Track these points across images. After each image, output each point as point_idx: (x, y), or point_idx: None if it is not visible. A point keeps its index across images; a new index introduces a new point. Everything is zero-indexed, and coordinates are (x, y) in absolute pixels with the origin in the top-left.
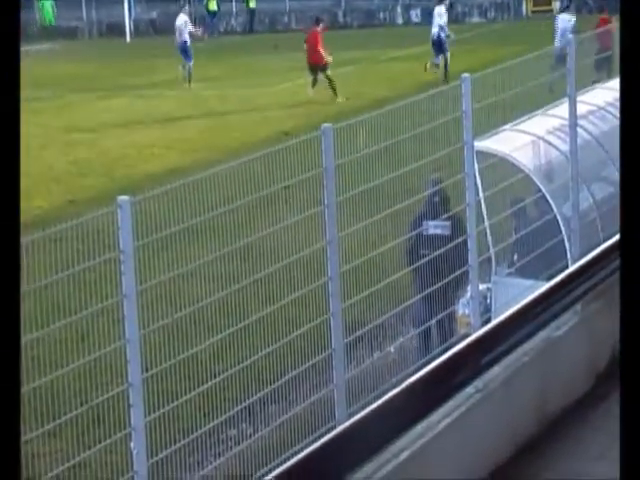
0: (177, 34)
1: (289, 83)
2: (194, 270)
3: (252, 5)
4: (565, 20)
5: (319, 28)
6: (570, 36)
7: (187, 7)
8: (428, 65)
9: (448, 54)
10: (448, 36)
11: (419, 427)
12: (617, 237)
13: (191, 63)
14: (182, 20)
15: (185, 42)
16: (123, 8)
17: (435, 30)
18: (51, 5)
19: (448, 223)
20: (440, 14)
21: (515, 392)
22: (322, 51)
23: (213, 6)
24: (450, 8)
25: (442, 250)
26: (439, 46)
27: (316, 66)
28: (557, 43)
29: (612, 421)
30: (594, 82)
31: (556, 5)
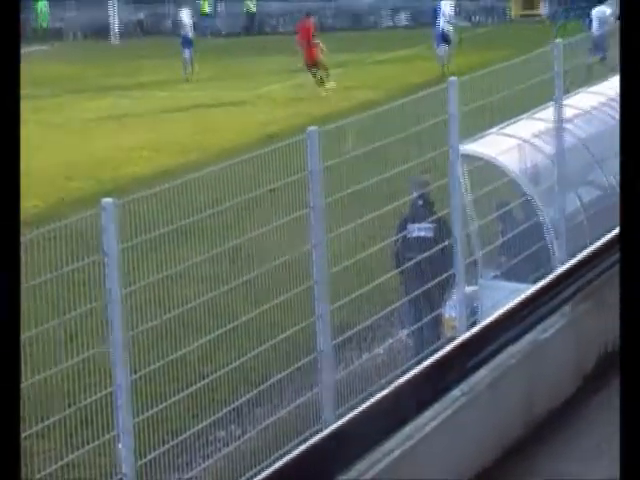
0: (180, 27)
1: (277, 85)
2: (183, 272)
3: (252, 9)
4: (602, 11)
5: (310, 20)
6: (607, 24)
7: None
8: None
9: (449, 48)
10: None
11: (407, 429)
12: (603, 240)
13: (188, 53)
14: (185, 14)
15: (188, 35)
16: (109, 9)
17: (442, 23)
18: (45, 6)
19: (431, 225)
20: (448, 9)
21: (502, 395)
22: (316, 45)
23: (205, 8)
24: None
25: (427, 253)
26: (445, 38)
27: (313, 62)
28: (595, 32)
29: (598, 423)
30: None
31: (541, 9)
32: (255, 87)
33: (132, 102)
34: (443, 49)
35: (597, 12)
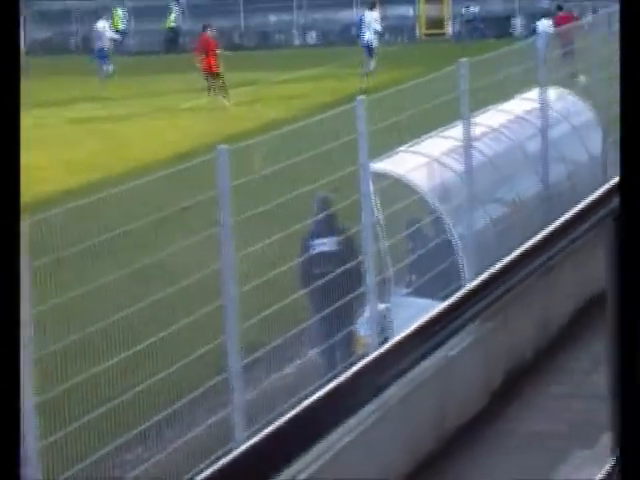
0: (96, 39)
1: (187, 103)
2: (92, 291)
3: (172, 24)
4: (545, 24)
5: (209, 33)
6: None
7: (106, 17)
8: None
9: (373, 63)
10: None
11: (319, 447)
12: (512, 256)
13: (110, 67)
14: (102, 25)
15: (104, 48)
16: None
17: (368, 36)
18: None
19: (333, 239)
20: (372, 21)
21: (413, 410)
22: (215, 56)
23: (119, 25)
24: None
25: (333, 268)
26: (370, 51)
27: (212, 71)
28: (538, 43)
29: (505, 438)
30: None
31: (448, 29)
32: (168, 105)
33: (37, 121)
34: (368, 62)
35: (542, 25)
